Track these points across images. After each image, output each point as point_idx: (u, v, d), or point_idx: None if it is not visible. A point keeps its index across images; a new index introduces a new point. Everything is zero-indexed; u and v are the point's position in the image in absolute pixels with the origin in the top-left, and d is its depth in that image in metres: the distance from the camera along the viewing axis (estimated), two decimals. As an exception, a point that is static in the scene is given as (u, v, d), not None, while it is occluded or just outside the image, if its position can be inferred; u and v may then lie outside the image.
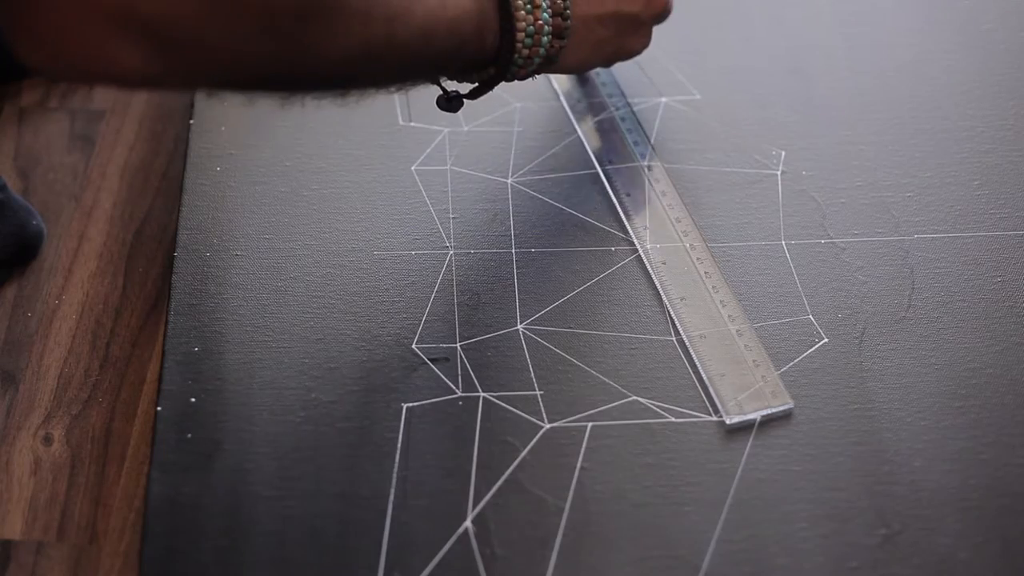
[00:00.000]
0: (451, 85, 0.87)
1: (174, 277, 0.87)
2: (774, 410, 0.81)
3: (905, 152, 0.96)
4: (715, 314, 0.86)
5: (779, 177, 0.94)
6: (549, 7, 0.83)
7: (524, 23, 0.82)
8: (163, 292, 0.91)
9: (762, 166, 0.95)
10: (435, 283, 0.88)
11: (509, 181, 0.94)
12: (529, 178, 0.94)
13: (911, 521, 0.77)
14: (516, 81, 0.87)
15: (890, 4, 1.07)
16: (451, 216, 0.92)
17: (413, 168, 0.94)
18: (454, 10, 0.78)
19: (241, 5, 0.67)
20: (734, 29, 1.06)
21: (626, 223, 0.91)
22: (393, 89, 0.81)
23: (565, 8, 0.84)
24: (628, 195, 0.92)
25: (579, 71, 0.98)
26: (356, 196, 0.93)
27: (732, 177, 0.94)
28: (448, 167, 0.94)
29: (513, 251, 0.90)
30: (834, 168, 0.95)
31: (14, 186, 0.96)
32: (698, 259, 0.89)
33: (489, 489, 0.78)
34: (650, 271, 0.88)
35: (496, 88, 0.86)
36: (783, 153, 0.96)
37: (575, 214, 0.92)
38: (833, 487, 0.78)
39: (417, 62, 0.79)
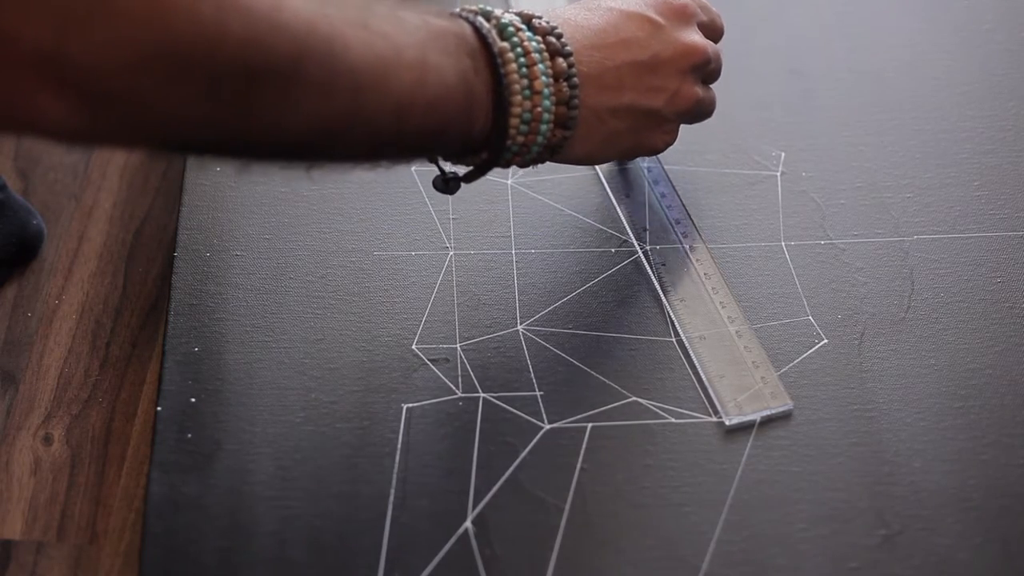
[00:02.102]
0: (448, 166, 0.81)
1: (174, 277, 0.87)
2: (773, 411, 0.81)
3: (905, 153, 0.96)
4: (715, 315, 0.86)
5: (779, 178, 0.94)
6: (553, 94, 0.75)
7: (519, 108, 0.74)
8: (163, 292, 0.91)
9: (762, 167, 0.95)
10: (435, 284, 0.88)
11: (509, 182, 0.94)
12: (529, 179, 0.94)
13: (911, 521, 0.77)
14: (518, 168, 0.81)
15: (890, 4, 1.07)
16: (451, 217, 0.92)
17: (413, 168, 0.94)
18: (435, 88, 0.70)
19: (181, 64, 0.60)
20: (734, 29, 1.05)
21: (626, 224, 0.91)
22: (369, 166, 0.74)
23: (572, 97, 0.76)
24: (627, 196, 0.92)
25: (589, 163, 0.89)
26: (356, 196, 0.93)
27: (731, 178, 0.94)
28: (448, 167, 0.94)
29: (513, 252, 0.90)
30: (834, 169, 0.95)
31: (14, 186, 0.96)
32: (698, 260, 0.89)
33: (489, 489, 0.78)
34: (650, 272, 0.88)
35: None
36: (783, 154, 0.96)
37: (575, 215, 0.92)
38: (833, 487, 0.78)
39: (391, 140, 0.72)
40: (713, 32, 0.86)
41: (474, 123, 0.74)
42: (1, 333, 0.90)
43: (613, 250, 0.90)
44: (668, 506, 0.78)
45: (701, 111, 0.85)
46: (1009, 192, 0.93)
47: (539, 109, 0.75)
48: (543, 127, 0.76)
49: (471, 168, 0.79)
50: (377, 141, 0.71)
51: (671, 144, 0.85)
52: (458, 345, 0.85)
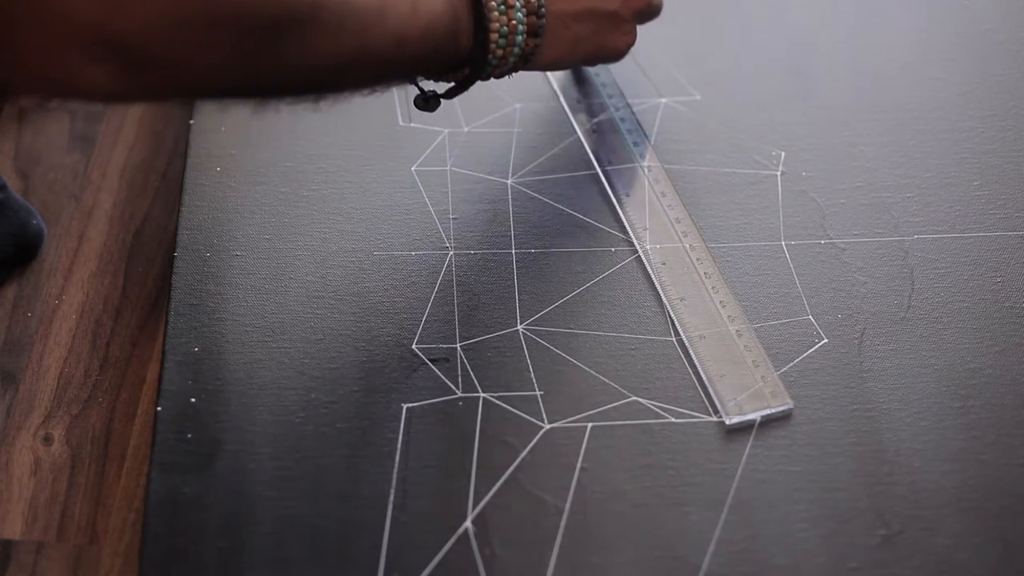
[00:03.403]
0: (428, 84, 0.87)
1: (174, 277, 0.87)
2: (774, 410, 0.81)
3: (905, 153, 0.96)
4: (715, 314, 0.86)
5: (779, 178, 0.94)
6: (523, 6, 0.83)
7: (498, 24, 0.82)
8: (163, 292, 0.91)
9: (762, 167, 0.95)
10: (435, 283, 0.88)
11: (509, 182, 0.94)
12: (529, 179, 0.94)
13: (911, 521, 0.77)
14: (494, 79, 0.86)
15: (890, 5, 1.07)
16: (451, 217, 0.92)
17: (413, 169, 0.94)
18: (427, 15, 0.78)
19: (213, 24, 0.66)
20: (734, 30, 1.06)
21: (626, 224, 0.91)
22: (367, 92, 0.81)
23: (539, 6, 0.84)
24: (628, 196, 0.92)
25: (557, 68, 0.97)
26: (356, 196, 0.93)
27: (732, 178, 0.94)
28: (448, 168, 0.95)
29: (513, 252, 0.90)
30: (834, 169, 0.95)
31: (14, 186, 0.96)
32: (698, 259, 0.89)
33: (489, 489, 0.78)
34: (650, 272, 0.88)
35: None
36: (783, 154, 0.96)
37: (575, 215, 0.92)
38: (833, 487, 0.78)
39: (391, 68, 0.79)
40: None
41: (459, 43, 0.82)
42: (1, 333, 0.90)
43: (613, 249, 0.90)
44: (668, 506, 0.78)
45: (650, 10, 0.92)
46: (1009, 192, 0.93)
47: (514, 22, 0.83)
48: (518, 38, 0.84)
49: (452, 85, 0.86)
50: (380, 70, 0.78)
51: (631, 45, 0.92)
52: (458, 345, 0.85)
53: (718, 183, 0.94)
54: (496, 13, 0.82)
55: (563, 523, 0.77)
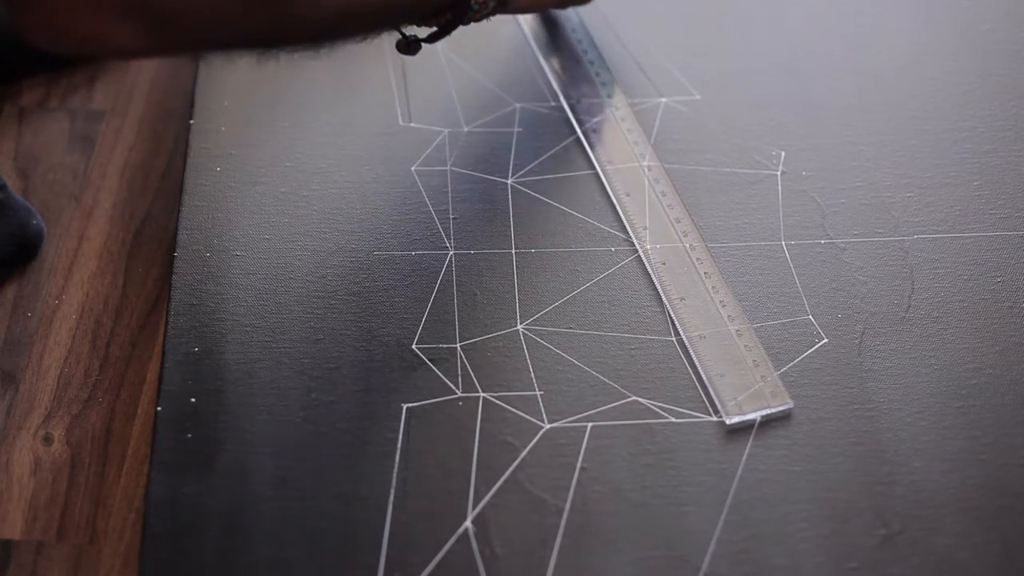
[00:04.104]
0: (410, 30, 0.89)
1: (174, 277, 0.87)
2: (774, 410, 0.81)
3: (905, 152, 0.96)
4: (715, 314, 0.86)
5: (779, 177, 0.94)
6: None
7: None
8: (163, 292, 0.91)
9: (762, 166, 0.95)
10: (435, 283, 0.88)
11: (509, 182, 0.94)
12: (529, 178, 0.94)
13: (911, 521, 0.77)
14: (474, 24, 0.89)
15: (890, 4, 1.07)
16: (451, 216, 0.92)
17: (413, 168, 0.94)
18: None
19: None
20: (734, 30, 1.06)
21: (626, 223, 0.91)
22: (359, 40, 0.83)
23: None
24: (628, 195, 0.92)
25: (534, 10, 1.01)
26: (356, 196, 0.93)
27: (732, 177, 0.94)
28: (448, 168, 0.94)
29: (513, 251, 0.90)
30: (834, 168, 0.95)
31: (14, 186, 0.96)
32: (698, 259, 0.89)
33: (489, 489, 0.78)
34: (650, 271, 0.88)
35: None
36: (783, 153, 0.96)
37: (575, 214, 0.92)
38: (833, 487, 0.78)
39: (386, 17, 0.83)
40: None
41: None
42: (1, 333, 0.90)
43: (613, 249, 0.90)
44: (668, 506, 0.78)
45: None
46: (1009, 192, 0.93)
47: None
48: None
49: (434, 30, 0.88)
50: (376, 18, 0.81)
51: None
52: (458, 345, 0.85)
53: (718, 183, 0.94)
54: None
55: (563, 523, 0.77)
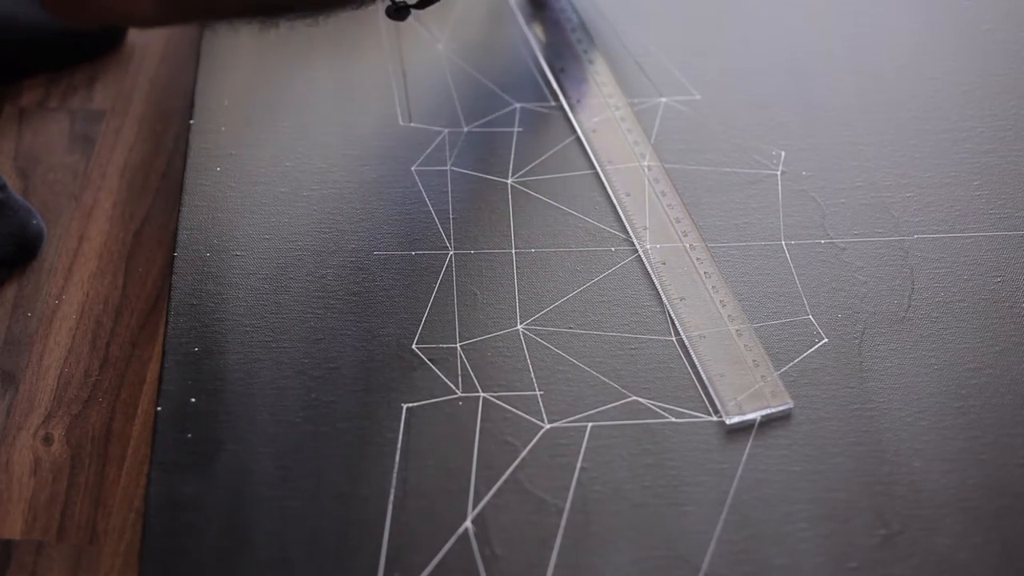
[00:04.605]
0: None
1: (174, 277, 0.87)
2: (774, 410, 0.81)
3: (905, 152, 0.96)
4: (715, 314, 0.86)
5: (779, 177, 0.94)
6: None
7: None
8: (163, 292, 0.91)
9: (762, 166, 0.95)
10: (435, 283, 0.88)
11: (509, 181, 0.94)
12: (529, 178, 0.94)
13: (911, 521, 0.77)
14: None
15: (890, 4, 1.07)
16: (451, 216, 0.92)
17: (413, 168, 0.94)
18: None
19: None
20: (734, 30, 1.06)
21: (626, 223, 0.91)
22: (355, 6, 0.84)
23: None
24: (628, 195, 0.92)
25: None
26: (356, 196, 0.93)
27: (732, 177, 0.94)
28: (448, 167, 0.94)
29: (513, 251, 0.90)
30: (834, 168, 0.95)
31: (14, 186, 0.96)
32: (698, 259, 0.89)
33: (489, 489, 0.78)
34: (650, 271, 0.88)
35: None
36: (783, 153, 0.96)
37: (575, 214, 0.92)
38: (833, 487, 0.78)
39: None
40: None
41: None
42: (1, 333, 0.90)
43: (613, 249, 0.90)
44: (668, 506, 0.78)
45: None
46: (1009, 192, 0.93)
47: None
48: None
49: None
50: None
51: None
52: (458, 344, 0.85)
53: (718, 183, 0.94)
54: None
55: (563, 523, 0.77)
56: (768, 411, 0.81)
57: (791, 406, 0.82)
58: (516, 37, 1.04)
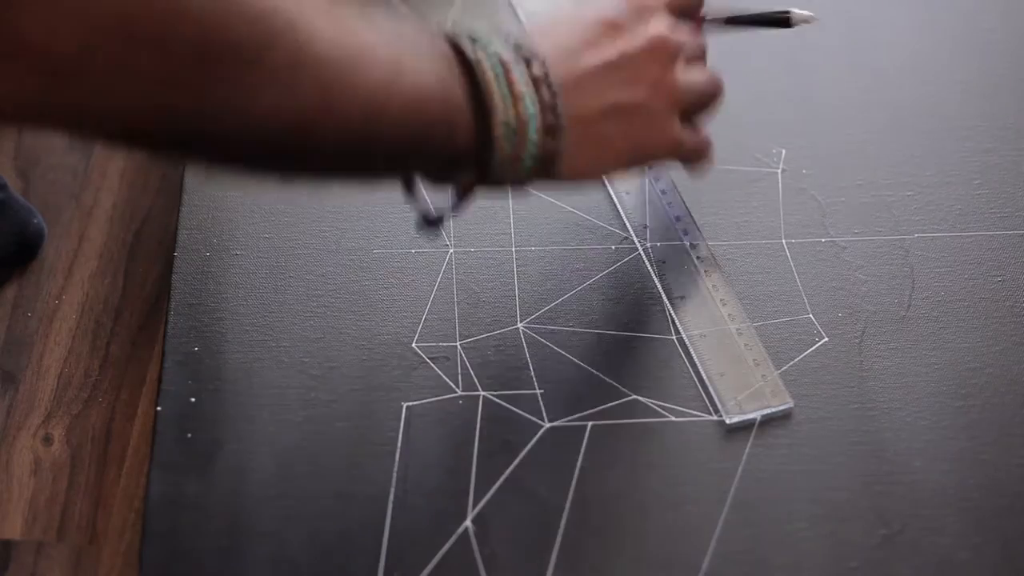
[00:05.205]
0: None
1: (174, 277, 0.87)
2: (774, 410, 0.81)
3: (906, 151, 0.96)
4: (715, 313, 0.86)
5: (779, 175, 0.94)
6: (535, 103, 0.71)
7: (502, 116, 0.70)
8: (163, 292, 0.91)
9: (762, 164, 0.95)
10: (435, 281, 0.88)
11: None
12: (529, 176, 0.94)
13: (911, 521, 0.77)
14: (516, 194, 0.78)
15: (891, 3, 1.07)
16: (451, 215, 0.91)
17: (413, 166, 0.94)
18: (411, 90, 0.67)
19: (133, 40, 0.58)
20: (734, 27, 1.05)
21: (626, 221, 0.91)
22: (348, 178, 0.72)
23: (555, 104, 0.72)
24: (628, 193, 0.92)
25: (590, 178, 0.79)
26: (356, 194, 0.92)
27: (732, 175, 0.94)
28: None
29: (513, 249, 0.90)
30: (835, 167, 0.94)
31: (14, 186, 0.96)
32: (698, 258, 0.89)
33: (489, 488, 0.78)
34: (650, 270, 0.88)
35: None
36: (783, 151, 0.95)
37: (575, 212, 0.91)
38: (833, 487, 0.78)
39: (363, 146, 0.68)
40: (688, 7, 0.84)
41: (456, 132, 0.70)
42: (1, 333, 0.90)
43: (613, 247, 0.90)
44: (668, 505, 0.78)
45: (701, 100, 0.80)
46: (1010, 190, 0.93)
47: (524, 115, 0.71)
48: (531, 136, 0.71)
49: (458, 197, 0.75)
50: (348, 144, 0.67)
51: (679, 142, 0.79)
52: (458, 343, 0.85)
53: (718, 181, 0.93)
54: (500, 104, 0.70)
55: (563, 523, 0.77)
56: (768, 411, 0.81)
57: (791, 405, 0.81)
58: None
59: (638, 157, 0.79)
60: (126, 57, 0.58)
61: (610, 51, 0.76)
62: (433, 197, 0.77)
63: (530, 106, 0.71)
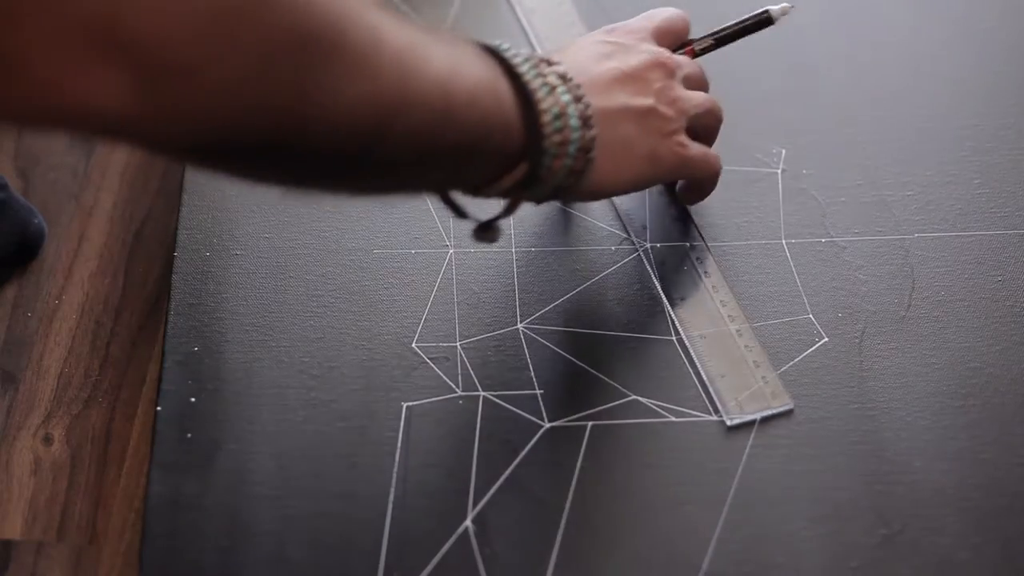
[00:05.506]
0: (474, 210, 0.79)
1: (174, 277, 0.87)
2: (774, 410, 0.81)
3: (906, 151, 0.95)
4: (715, 314, 0.86)
5: (779, 175, 0.94)
6: (567, 91, 0.75)
7: (545, 104, 0.73)
8: (163, 292, 0.91)
9: (762, 164, 0.95)
10: (435, 282, 0.88)
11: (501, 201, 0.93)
12: (529, 176, 0.94)
13: (911, 521, 0.77)
14: (550, 202, 0.81)
15: (891, 2, 1.07)
16: (451, 215, 0.91)
17: (413, 166, 0.94)
18: (470, 79, 0.69)
19: (233, 30, 0.57)
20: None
21: (626, 222, 0.91)
22: (418, 184, 0.74)
23: (582, 96, 0.75)
24: (628, 194, 0.92)
25: (614, 189, 0.83)
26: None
27: (732, 175, 0.93)
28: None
29: (513, 250, 0.90)
30: (835, 166, 0.94)
31: (14, 186, 0.96)
32: (698, 258, 0.89)
33: (489, 488, 0.78)
34: (650, 270, 0.88)
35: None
36: (783, 151, 0.95)
37: (575, 213, 0.91)
38: (833, 487, 0.78)
39: (440, 134, 0.68)
40: (674, 38, 0.89)
41: (510, 124, 0.72)
42: (1, 333, 0.90)
43: (613, 248, 0.90)
44: (668, 506, 0.78)
45: (698, 110, 0.84)
46: (1010, 190, 0.93)
47: (562, 102, 0.74)
48: (573, 122, 0.74)
49: (506, 204, 0.77)
50: (426, 133, 0.68)
51: (685, 154, 0.83)
52: (458, 343, 0.85)
53: (718, 181, 0.94)
54: (542, 92, 0.74)
55: (563, 523, 0.77)
56: (768, 411, 0.81)
57: (791, 406, 0.81)
58: (516, 36, 1.03)
59: (652, 167, 0.82)
60: (227, 49, 0.57)
61: (616, 64, 0.81)
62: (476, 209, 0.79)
63: (564, 94, 0.74)
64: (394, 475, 0.78)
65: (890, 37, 1.04)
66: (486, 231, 0.78)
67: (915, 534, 0.76)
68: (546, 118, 0.73)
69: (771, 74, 1.01)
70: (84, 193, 0.98)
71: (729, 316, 0.86)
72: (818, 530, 0.77)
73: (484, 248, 0.89)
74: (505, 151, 0.73)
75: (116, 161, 1.00)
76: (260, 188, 0.91)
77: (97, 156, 1.00)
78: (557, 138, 0.74)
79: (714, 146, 0.88)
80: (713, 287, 0.87)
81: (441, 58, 0.68)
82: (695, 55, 0.90)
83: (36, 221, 0.94)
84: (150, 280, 0.93)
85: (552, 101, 0.74)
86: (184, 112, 0.58)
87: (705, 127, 0.87)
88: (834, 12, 1.06)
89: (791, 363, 0.84)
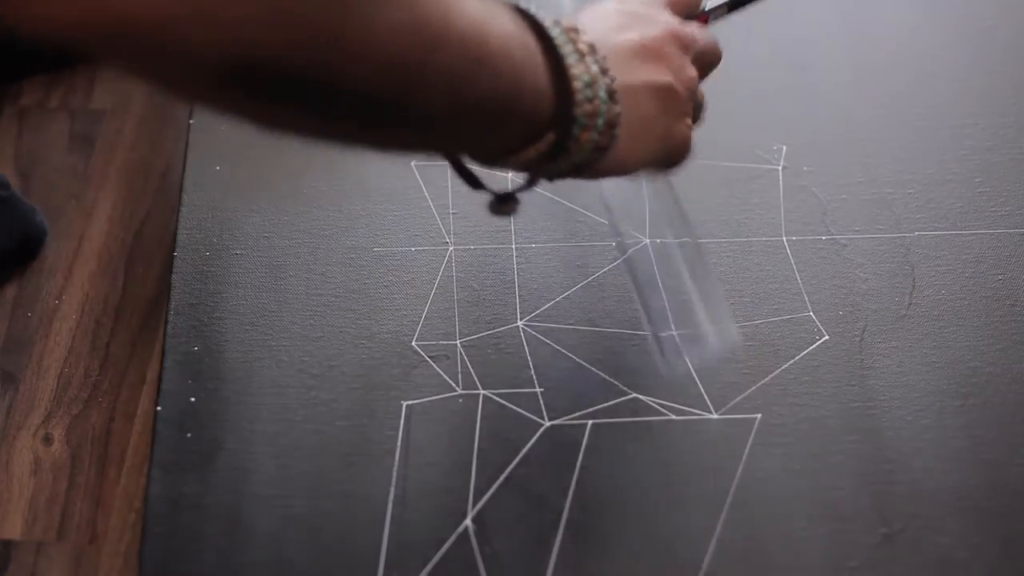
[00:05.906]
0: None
1: (174, 277, 0.87)
2: (774, 409, 0.81)
3: (907, 148, 0.95)
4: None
5: (780, 173, 0.94)
6: (596, 62, 0.72)
7: (576, 70, 0.71)
8: (163, 292, 0.91)
9: (763, 161, 0.95)
10: (435, 279, 0.88)
11: (509, 175, 0.93)
12: (529, 174, 0.94)
13: (911, 520, 0.77)
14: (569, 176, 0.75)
15: (892, 1, 1.07)
16: (451, 212, 0.91)
17: (413, 164, 0.94)
18: (503, 29, 0.67)
19: None
20: (735, 23, 1.05)
21: (625, 219, 0.91)
22: (450, 136, 0.70)
23: (607, 68, 0.72)
24: (626, 191, 0.92)
25: (633, 167, 0.78)
26: (356, 193, 0.92)
27: (733, 172, 0.93)
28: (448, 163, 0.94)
29: (513, 247, 0.90)
30: (836, 164, 0.94)
31: (14, 186, 0.96)
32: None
33: (489, 487, 0.78)
34: (650, 267, 0.88)
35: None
36: (784, 148, 0.95)
37: (575, 209, 0.91)
38: (834, 485, 0.78)
39: (473, 83, 0.66)
40: (688, 8, 0.84)
41: (540, 87, 0.70)
42: (1, 333, 0.90)
43: (613, 244, 0.90)
44: (668, 504, 0.78)
45: (709, 60, 0.82)
46: (1011, 189, 0.93)
47: (593, 71, 0.71)
48: (602, 93, 0.71)
49: (528, 176, 0.74)
50: (460, 76, 0.65)
51: (690, 138, 0.80)
52: (458, 341, 0.84)
53: (719, 178, 0.94)
54: (573, 57, 0.71)
55: (563, 521, 0.77)
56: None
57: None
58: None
59: (664, 148, 0.79)
60: None
61: (635, 35, 0.77)
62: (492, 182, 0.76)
63: (594, 64, 0.71)
64: (394, 474, 0.78)
65: (891, 35, 1.04)
66: (505, 203, 0.75)
67: (915, 533, 0.76)
68: (577, 84, 0.71)
69: (772, 71, 1.01)
70: (84, 193, 0.98)
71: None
72: (818, 529, 0.77)
73: (484, 244, 0.89)
74: (535, 116, 0.70)
75: (116, 161, 1.00)
76: (259, 188, 0.91)
77: (97, 156, 1.00)
78: (588, 108, 0.71)
79: (715, 141, 0.89)
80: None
81: (476, 4, 0.65)
82: (707, 22, 0.86)
83: (38, 220, 0.94)
84: (150, 280, 0.93)
85: (583, 68, 0.71)
86: (223, 19, 0.55)
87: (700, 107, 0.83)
88: (836, 10, 1.06)
89: (792, 361, 0.84)
